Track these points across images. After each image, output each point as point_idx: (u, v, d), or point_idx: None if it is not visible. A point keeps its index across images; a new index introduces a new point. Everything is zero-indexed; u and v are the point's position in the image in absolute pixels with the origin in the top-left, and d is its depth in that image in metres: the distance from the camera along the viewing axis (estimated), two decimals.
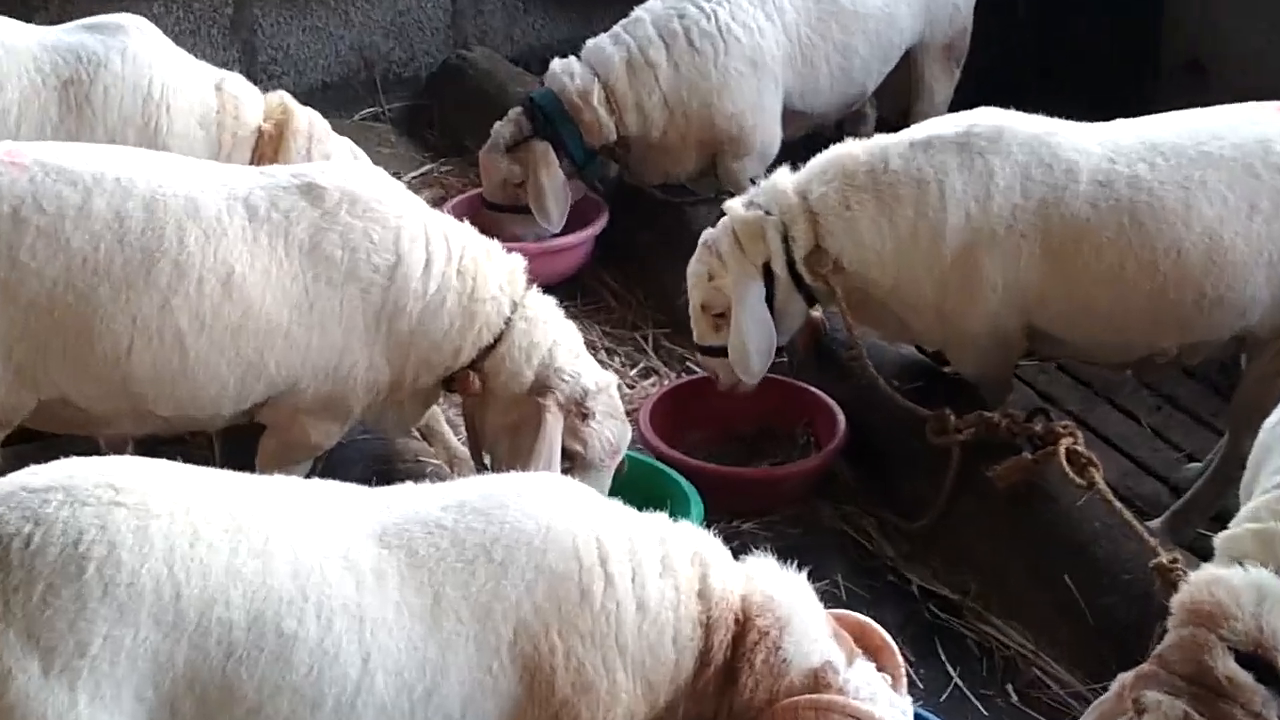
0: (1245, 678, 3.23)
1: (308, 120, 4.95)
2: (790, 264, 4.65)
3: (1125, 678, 3.34)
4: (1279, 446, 3.58)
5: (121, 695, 2.62)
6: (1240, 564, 3.37)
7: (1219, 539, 3.51)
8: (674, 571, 3.04)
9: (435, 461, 4.63)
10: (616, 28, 5.79)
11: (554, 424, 4.05)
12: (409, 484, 3.12)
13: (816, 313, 4.99)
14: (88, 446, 3.46)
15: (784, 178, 4.72)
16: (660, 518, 3.18)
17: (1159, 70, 6.82)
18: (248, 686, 2.70)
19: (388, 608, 2.82)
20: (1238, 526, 3.48)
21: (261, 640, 2.71)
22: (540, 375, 4.12)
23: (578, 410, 4.11)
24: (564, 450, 4.08)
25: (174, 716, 2.68)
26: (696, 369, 5.11)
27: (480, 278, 4.08)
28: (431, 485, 3.12)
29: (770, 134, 5.85)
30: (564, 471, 4.01)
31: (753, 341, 4.65)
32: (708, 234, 4.74)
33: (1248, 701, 3.22)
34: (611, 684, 2.95)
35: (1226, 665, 3.24)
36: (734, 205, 4.73)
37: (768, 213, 4.65)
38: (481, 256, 4.13)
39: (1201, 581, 3.38)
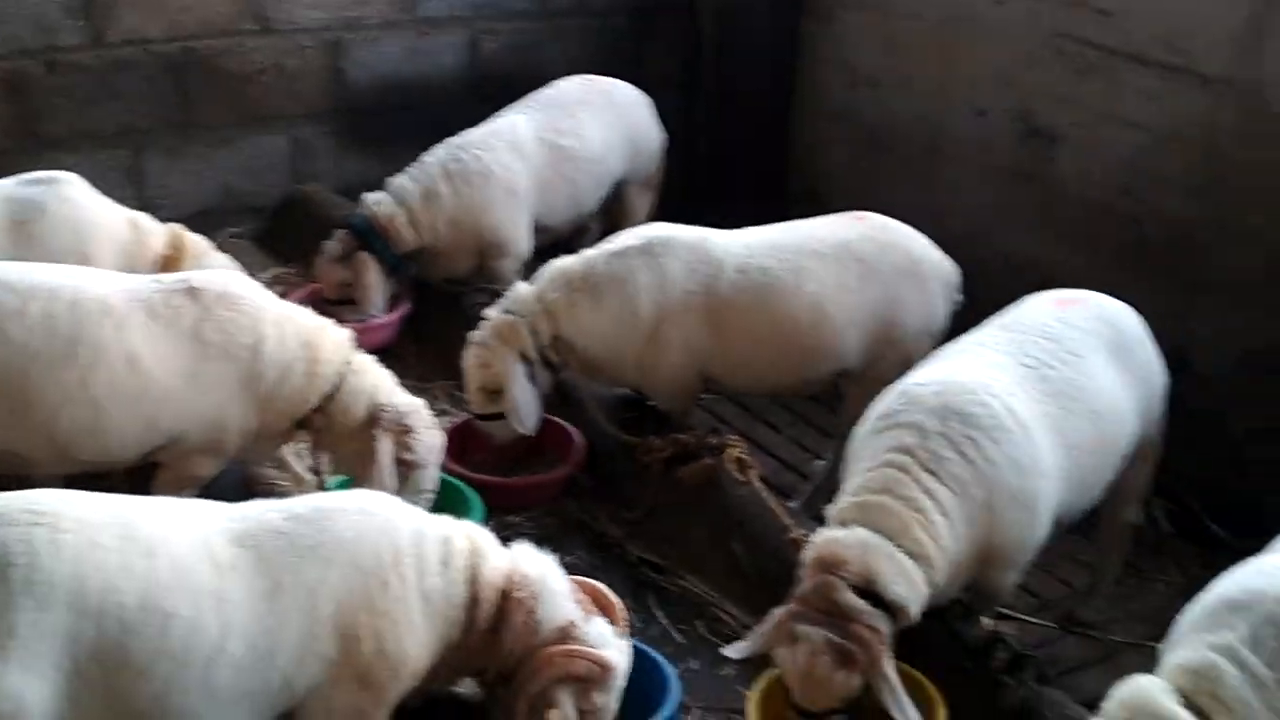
0: (863, 604, 3.38)
1: (196, 245, 4.90)
2: (539, 348, 4.72)
3: (778, 613, 3.48)
4: (863, 447, 3.77)
5: (44, 664, 2.63)
6: (846, 526, 3.53)
7: (828, 511, 3.66)
8: (449, 567, 3.13)
9: (285, 483, 4.59)
10: (411, 168, 5.80)
11: (386, 448, 4.08)
12: (259, 500, 3.16)
13: None
14: (24, 482, 3.39)
15: (525, 288, 4.81)
16: (448, 520, 3.27)
17: (786, 196, 7.04)
18: (137, 654, 2.72)
19: (240, 591, 2.87)
20: (842, 501, 3.64)
21: (148, 618, 2.73)
22: (371, 411, 4.12)
23: (401, 430, 4.13)
24: (399, 460, 4.10)
25: (85, 680, 2.69)
26: None
27: (318, 348, 4.09)
28: (277, 501, 3.17)
29: (522, 243, 5.88)
30: (402, 474, 4.10)
31: (525, 407, 4.71)
32: (475, 336, 4.76)
33: (867, 621, 3.37)
34: (400, 650, 3.01)
35: (848, 598, 3.39)
36: (492, 313, 4.79)
37: (520, 315, 4.71)
38: (318, 332, 4.14)
39: (822, 540, 3.54)
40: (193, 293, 3.95)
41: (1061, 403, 3.81)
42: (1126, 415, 4.03)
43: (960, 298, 4.86)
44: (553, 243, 5.93)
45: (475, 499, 4.46)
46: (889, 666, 3.38)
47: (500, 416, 4.76)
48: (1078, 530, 4.75)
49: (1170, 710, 2.84)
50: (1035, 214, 5.91)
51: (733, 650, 3.59)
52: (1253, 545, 3.31)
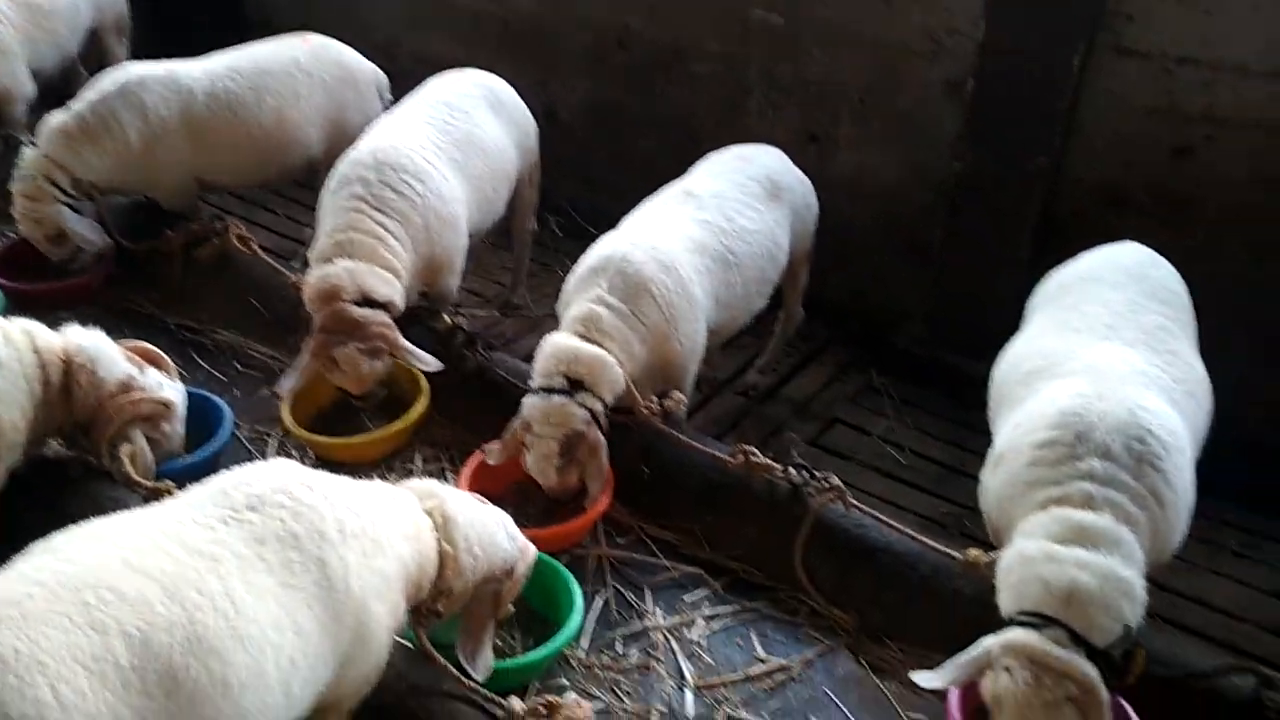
0: (368, 312, 3.40)
1: None
2: (66, 193, 4.12)
3: (311, 344, 3.42)
4: (328, 204, 3.67)
5: None
6: (330, 261, 3.48)
7: (310, 252, 3.62)
8: (10, 343, 2.80)
9: None
10: None
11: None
12: None
13: None
14: None
15: (31, 153, 4.14)
16: None
17: (242, 27, 6.45)
18: None
19: None
20: (321, 242, 3.59)
21: None
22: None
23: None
24: None
25: None
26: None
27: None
28: None
29: (25, 88, 5.03)
30: None
31: (86, 233, 4.17)
32: (14, 209, 4.14)
33: (377, 320, 3.40)
34: None
35: (357, 312, 3.39)
36: (15, 186, 4.12)
37: (36, 175, 4.09)
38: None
39: (317, 276, 3.49)
40: None
41: (462, 148, 3.92)
42: (508, 150, 4.19)
43: (390, 97, 4.72)
44: (47, 86, 5.18)
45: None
46: (402, 341, 3.46)
47: (79, 252, 4.22)
48: (503, 247, 4.96)
49: (573, 342, 3.16)
50: (432, 22, 5.79)
51: (281, 386, 3.48)
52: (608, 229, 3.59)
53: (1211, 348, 3.01)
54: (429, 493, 2.46)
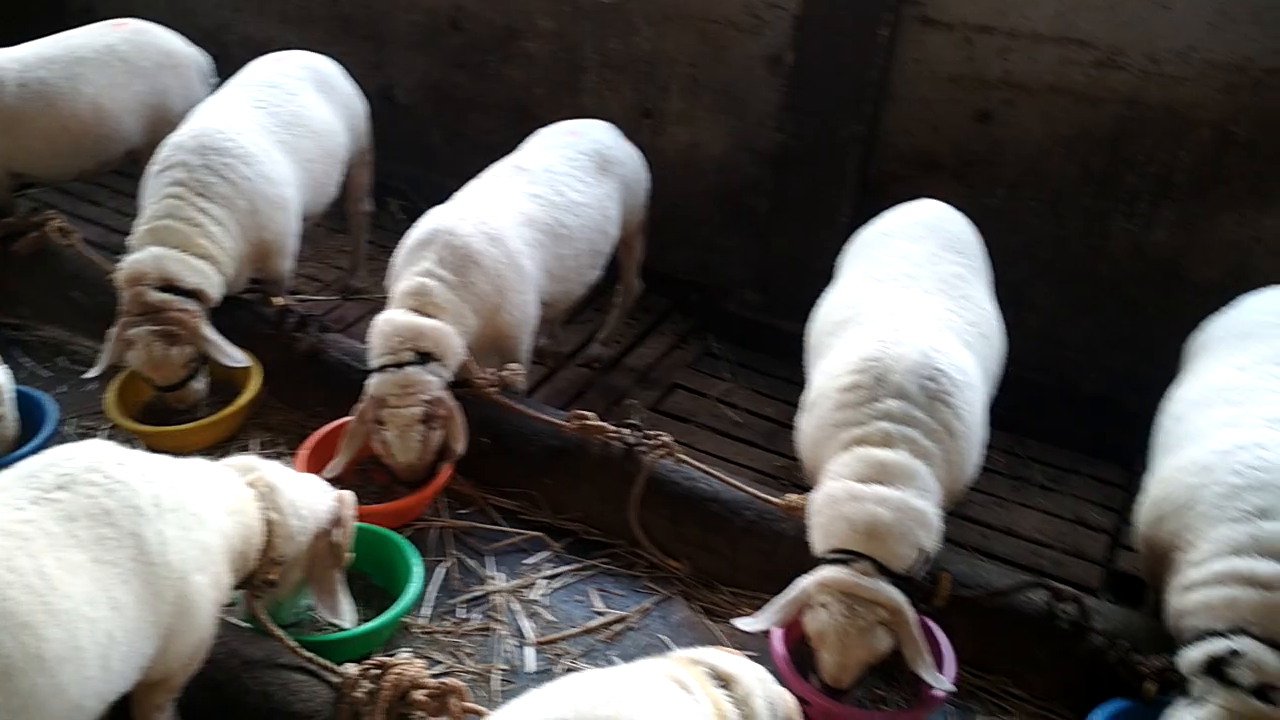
0: (169, 296, 3.35)
1: None
2: None
3: (113, 331, 3.37)
4: (148, 190, 3.60)
5: None
6: (142, 248, 3.43)
7: (129, 241, 3.53)
8: None
9: None
10: None
11: None
12: None
13: None
14: None
15: None
16: None
17: (65, 15, 6.17)
18: None
19: None
20: (137, 230, 3.52)
21: None
22: None
23: None
24: None
25: None
26: None
27: None
28: None
29: None
30: None
31: None
32: None
33: (177, 306, 3.35)
34: None
35: (155, 296, 3.35)
36: None
37: None
38: None
39: (126, 263, 3.42)
40: None
41: (290, 129, 3.88)
42: (337, 131, 4.16)
43: (216, 79, 4.63)
44: None
45: None
46: (209, 332, 3.40)
47: None
48: (340, 230, 4.92)
49: (411, 317, 3.16)
50: (261, 6, 5.68)
51: (92, 372, 3.42)
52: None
53: (1017, 299, 3.24)
54: (248, 467, 2.49)
